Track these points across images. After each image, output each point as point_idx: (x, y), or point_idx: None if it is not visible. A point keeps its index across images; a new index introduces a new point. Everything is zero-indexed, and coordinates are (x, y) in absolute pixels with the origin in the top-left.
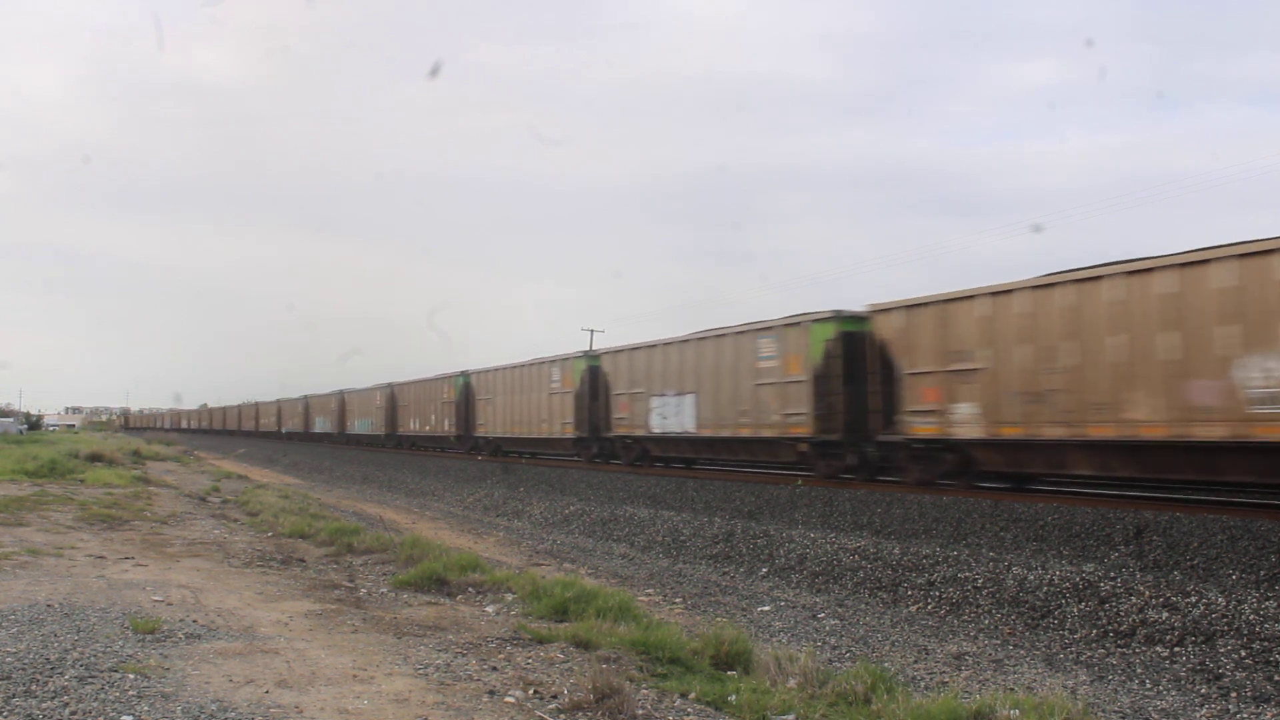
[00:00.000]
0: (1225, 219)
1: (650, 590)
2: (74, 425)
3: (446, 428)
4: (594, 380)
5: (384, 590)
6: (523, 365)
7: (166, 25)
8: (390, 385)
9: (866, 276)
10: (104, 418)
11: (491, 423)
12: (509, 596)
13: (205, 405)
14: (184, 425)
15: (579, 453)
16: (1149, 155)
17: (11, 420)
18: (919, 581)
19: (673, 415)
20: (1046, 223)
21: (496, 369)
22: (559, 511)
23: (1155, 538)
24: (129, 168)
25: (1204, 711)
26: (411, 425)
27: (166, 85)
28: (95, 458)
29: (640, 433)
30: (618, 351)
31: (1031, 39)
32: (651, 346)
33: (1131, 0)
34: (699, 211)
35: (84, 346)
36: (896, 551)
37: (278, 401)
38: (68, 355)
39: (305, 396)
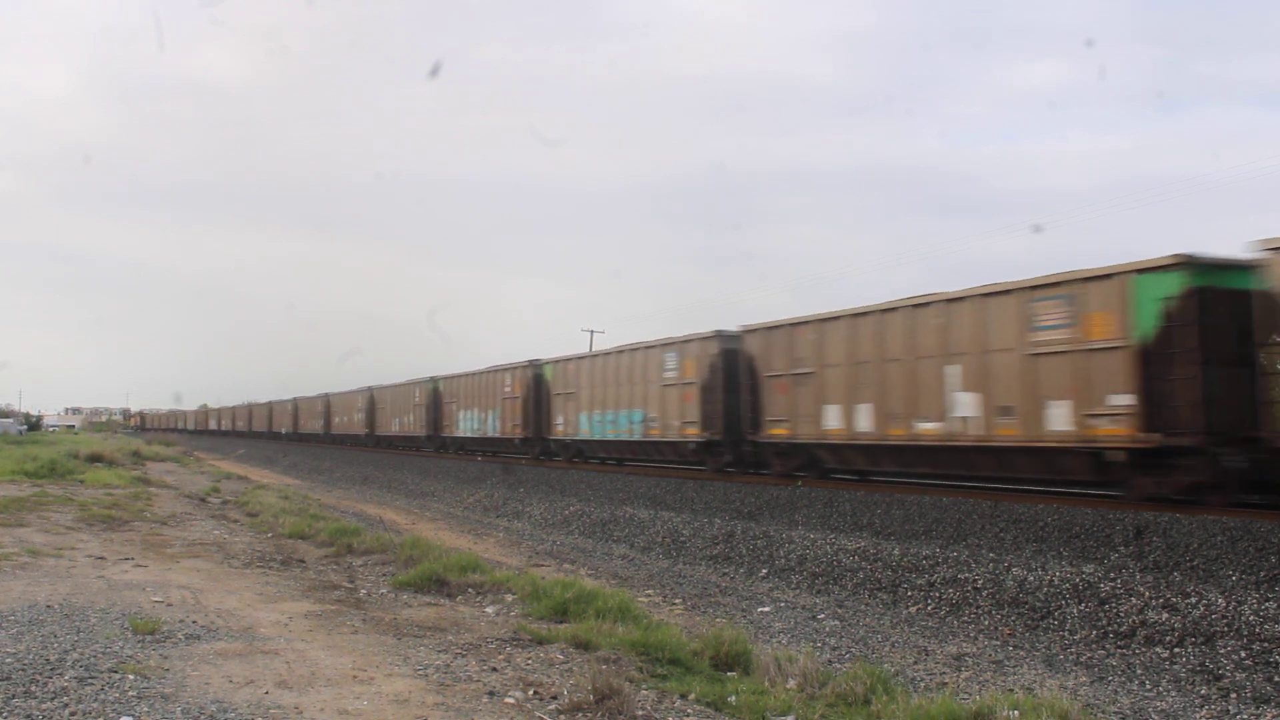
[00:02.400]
0: (1227, 219)
1: (650, 591)
2: (74, 426)
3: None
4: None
5: (384, 591)
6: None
7: (167, 25)
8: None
9: (867, 277)
10: (104, 418)
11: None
12: (509, 597)
13: (205, 405)
14: (211, 426)
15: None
16: (1150, 156)
17: (11, 421)
18: (919, 582)
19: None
20: (1047, 223)
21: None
22: (559, 512)
23: (1155, 538)
24: (130, 168)
25: (1204, 712)
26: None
27: (167, 85)
28: (95, 458)
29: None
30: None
31: (1033, 40)
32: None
33: (1132, 2)
34: (700, 211)
35: (84, 346)
36: (896, 552)
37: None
38: (68, 355)
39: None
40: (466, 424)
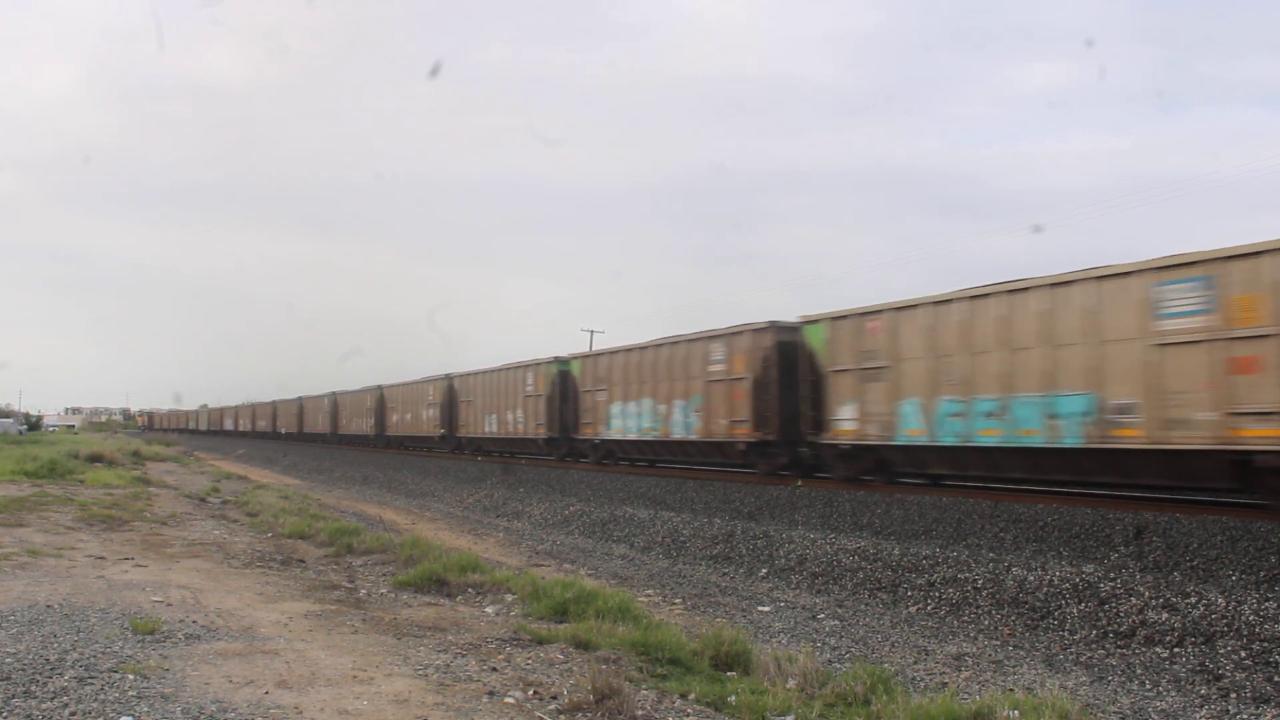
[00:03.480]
0: (1228, 220)
1: (650, 591)
2: (74, 426)
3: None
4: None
5: (384, 591)
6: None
7: (167, 26)
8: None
9: (868, 277)
10: (104, 418)
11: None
12: (509, 597)
13: (204, 405)
14: (227, 426)
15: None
16: (1150, 156)
17: (11, 421)
18: (919, 582)
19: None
20: (1047, 223)
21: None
22: (559, 512)
23: (1155, 538)
24: (130, 168)
25: (1204, 712)
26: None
27: (168, 85)
28: (95, 458)
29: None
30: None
31: (1033, 41)
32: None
33: (1132, 2)
34: (700, 211)
35: (84, 346)
36: (896, 552)
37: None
38: (68, 355)
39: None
40: (626, 421)
